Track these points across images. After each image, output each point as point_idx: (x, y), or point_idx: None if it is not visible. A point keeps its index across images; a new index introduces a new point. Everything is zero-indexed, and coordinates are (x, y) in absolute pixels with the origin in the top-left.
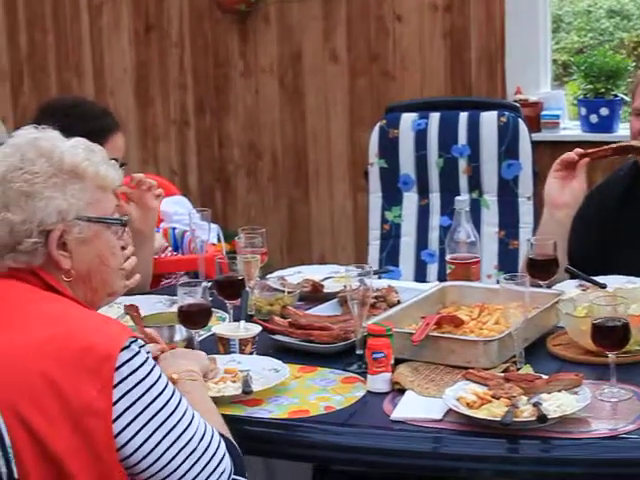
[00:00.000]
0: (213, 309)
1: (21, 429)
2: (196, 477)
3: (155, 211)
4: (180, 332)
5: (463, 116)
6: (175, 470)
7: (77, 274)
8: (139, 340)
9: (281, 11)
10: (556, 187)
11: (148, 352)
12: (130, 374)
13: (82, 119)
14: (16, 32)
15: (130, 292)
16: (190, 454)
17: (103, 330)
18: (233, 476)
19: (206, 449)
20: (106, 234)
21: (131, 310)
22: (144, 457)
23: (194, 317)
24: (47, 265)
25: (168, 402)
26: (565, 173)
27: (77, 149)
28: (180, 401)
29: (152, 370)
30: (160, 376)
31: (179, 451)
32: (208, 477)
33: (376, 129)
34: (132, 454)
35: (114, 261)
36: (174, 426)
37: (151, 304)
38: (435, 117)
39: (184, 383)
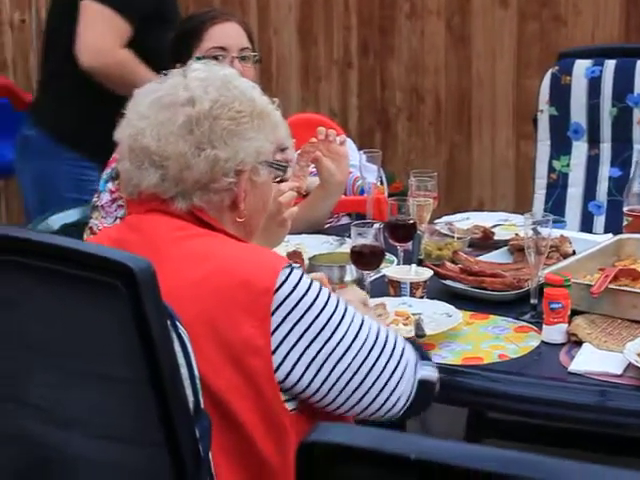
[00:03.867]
0: None
1: None
2: (381, 373)
3: (346, 158)
4: (351, 272)
5: None
6: (356, 372)
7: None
8: (294, 265)
9: None
10: None
11: (302, 272)
12: (287, 295)
13: (186, 22)
14: None
15: (299, 230)
16: (368, 354)
17: (258, 262)
18: (421, 361)
19: (385, 344)
20: (270, 179)
21: (294, 257)
22: (315, 374)
23: (366, 258)
24: (214, 204)
25: (335, 309)
26: None
27: (257, 90)
28: (346, 306)
29: (310, 285)
30: (320, 288)
31: (356, 354)
32: (394, 371)
33: (547, 75)
34: (302, 377)
35: (269, 206)
36: (345, 333)
37: (319, 244)
38: (610, 64)
39: None
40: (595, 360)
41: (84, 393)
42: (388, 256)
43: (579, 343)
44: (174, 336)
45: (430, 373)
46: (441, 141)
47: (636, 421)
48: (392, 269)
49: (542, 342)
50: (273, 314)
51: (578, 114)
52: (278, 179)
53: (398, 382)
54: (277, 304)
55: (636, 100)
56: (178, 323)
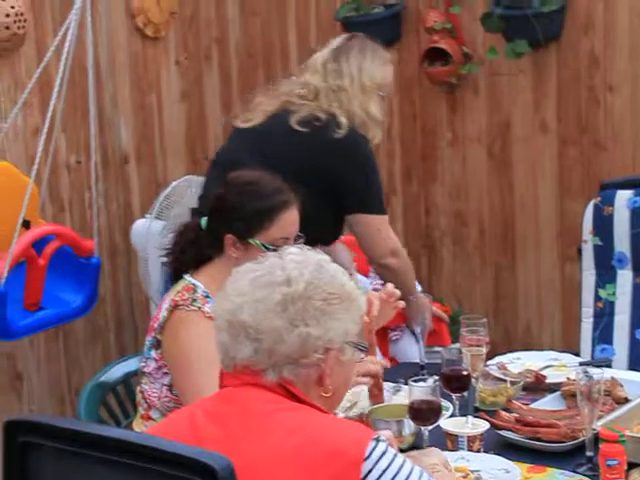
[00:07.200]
0: None
1: None
2: None
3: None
4: (409, 426)
5: None
6: None
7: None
8: (381, 436)
9: (491, 83)
10: None
11: (388, 445)
12: (374, 466)
13: (254, 197)
14: None
15: None
16: None
17: (346, 435)
18: None
19: None
20: (354, 359)
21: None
22: None
23: (424, 414)
24: (302, 378)
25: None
26: None
27: (346, 275)
28: (429, 477)
29: (394, 457)
30: (404, 460)
31: None
32: None
33: (590, 206)
34: None
35: (352, 383)
36: None
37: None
38: None
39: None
40: None
41: None
42: (445, 403)
43: None
44: None
45: None
46: (486, 264)
47: None
48: (448, 421)
49: None
50: None
51: (621, 243)
52: (359, 358)
53: None
54: (365, 474)
55: None
56: None
